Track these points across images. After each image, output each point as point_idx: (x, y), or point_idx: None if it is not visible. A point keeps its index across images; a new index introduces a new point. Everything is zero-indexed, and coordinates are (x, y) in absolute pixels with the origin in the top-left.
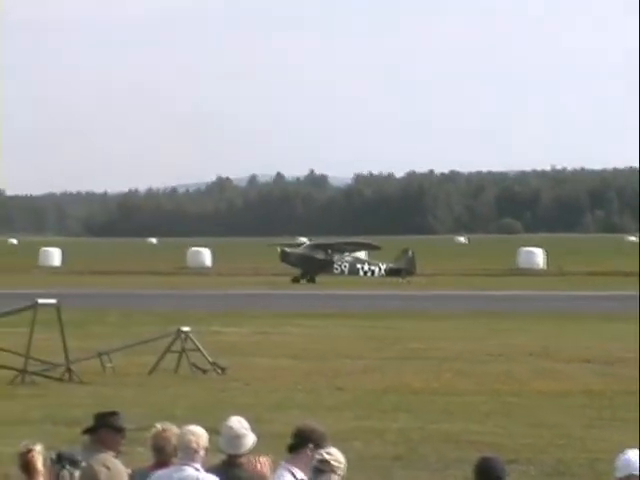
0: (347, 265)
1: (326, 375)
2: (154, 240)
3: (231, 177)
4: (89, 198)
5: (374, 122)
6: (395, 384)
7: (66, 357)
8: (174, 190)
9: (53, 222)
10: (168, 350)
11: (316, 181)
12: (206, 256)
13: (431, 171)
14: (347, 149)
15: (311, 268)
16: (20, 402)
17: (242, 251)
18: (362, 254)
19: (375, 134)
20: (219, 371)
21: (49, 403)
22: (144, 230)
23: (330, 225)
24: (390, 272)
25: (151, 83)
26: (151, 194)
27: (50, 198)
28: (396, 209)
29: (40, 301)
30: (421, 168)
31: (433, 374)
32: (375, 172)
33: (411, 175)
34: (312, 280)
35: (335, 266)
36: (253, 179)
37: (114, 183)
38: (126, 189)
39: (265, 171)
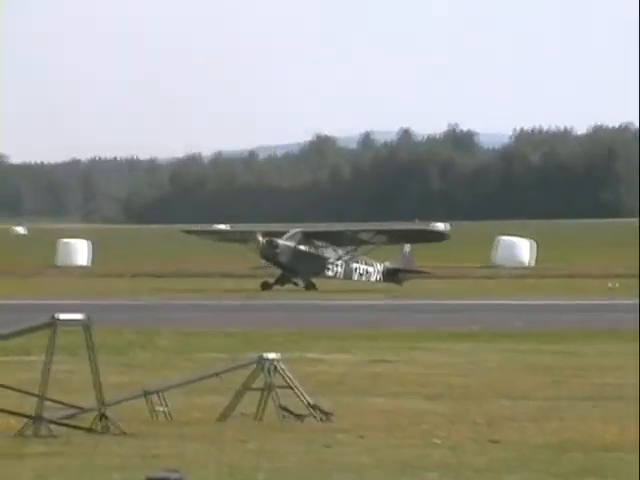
0: (342, 265)
1: (475, 423)
2: (223, 226)
3: (335, 135)
4: (129, 167)
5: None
6: (578, 436)
7: (99, 397)
8: (252, 155)
9: (77, 202)
10: (247, 387)
11: (461, 141)
12: None
13: (626, 126)
14: (502, 97)
15: (303, 268)
16: (32, 464)
17: None
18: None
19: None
20: (321, 417)
21: (74, 464)
22: (211, 212)
23: (481, 203)
24: (388, 274)
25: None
26: (220, 161)
27: (73, 168)
28: (575, 180)
29: (61, 316)
30: (612, 121)
31: (634, 422)
32: (545, 127)
33: (598, 131)
34: (311, 285)
35: (330, 266)
36: (366, 138)
37: (164, 146)
38: (182, 154)
39: (384, 127)
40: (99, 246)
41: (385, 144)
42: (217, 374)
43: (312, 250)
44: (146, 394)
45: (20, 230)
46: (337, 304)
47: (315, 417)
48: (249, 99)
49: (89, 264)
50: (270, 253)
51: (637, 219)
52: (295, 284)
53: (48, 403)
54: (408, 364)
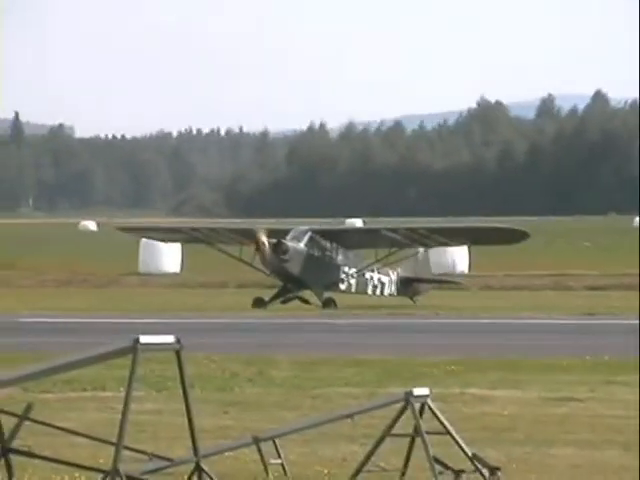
0: (355, 274)
1: None
2: (357, 221)
3: (504, 102)
4: (233, 143)
5: None
6: None
7: (194, 445)
8: (395, 127)
9: (166, 189)
10: (389, 433)
11: None
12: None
13: None
14: None
15: (315, 279)
16: None
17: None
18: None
19: None
20: (486, 473)
21: None
22: (340, 202)
23: None
24: (404, 284)
25: None
26: (351, 134)
27: (160, 143)
28: None
29: (144, 339)
30: None
31: None
32: None
33: None
34: (330, 303)
35: (344, 276)
36: (548, 105)
37: (279, 116)
38: (299, 126)
39: (571, 90)
40: (192, 248)
41: (572, 112)
42: (349, 416)
43: (325, 255)
44: (256, 441)
45: (90, 226)
46: (504, 323)
47: (479, 473)
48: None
49: (180, 271)
50: (278, 260)
51: None
52: (304, 301)
53: (128, 453)
54: (602, 403)
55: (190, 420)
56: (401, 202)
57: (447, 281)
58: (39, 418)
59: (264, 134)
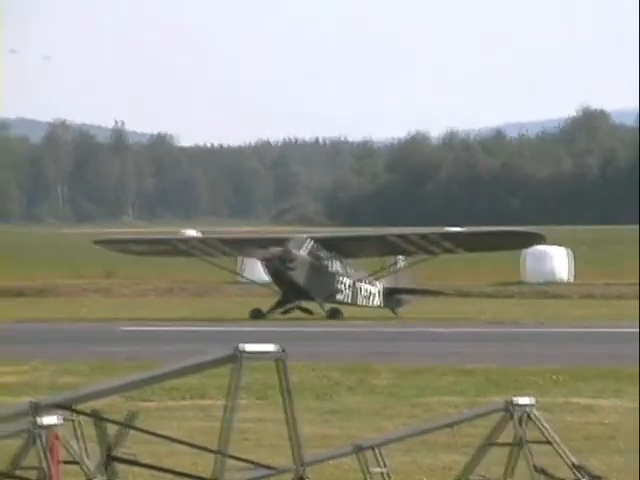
0: (349, 284)
1: None
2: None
3: (606, 108)
4: (334, 151)
5: None
6: None
7: (296, 454)
8: (498, 135)
9: (265, 198)
10: (492, 442)
11: None
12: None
13: None
14: None
15: (318, 290)
16: None
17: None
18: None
19: None
20: None
21: None
22: (439, 210)
23: None
24: (387, 295)
25: None
26: (454, 141)
27: (261, 152)
28: None
29: (247, 347)
30: None
31: None
32: None
33: None
34: (336, 313)
35: (340, 286)
36: None
37: (378, 123)
38: (402, 133)
39: None
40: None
41: None
42: (450, 425)
43: (325, 264)
44: (358, 450)
45: (192, 234)
46: (606, 332)
47: None
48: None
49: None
50: (284, 268)
51: None
52: (306, 311)
53: (230, 462)
54: None
55: (292, 429)
56: (503, 210)
57: (430, 291)
58: (141, 426)
59: (364, 142)
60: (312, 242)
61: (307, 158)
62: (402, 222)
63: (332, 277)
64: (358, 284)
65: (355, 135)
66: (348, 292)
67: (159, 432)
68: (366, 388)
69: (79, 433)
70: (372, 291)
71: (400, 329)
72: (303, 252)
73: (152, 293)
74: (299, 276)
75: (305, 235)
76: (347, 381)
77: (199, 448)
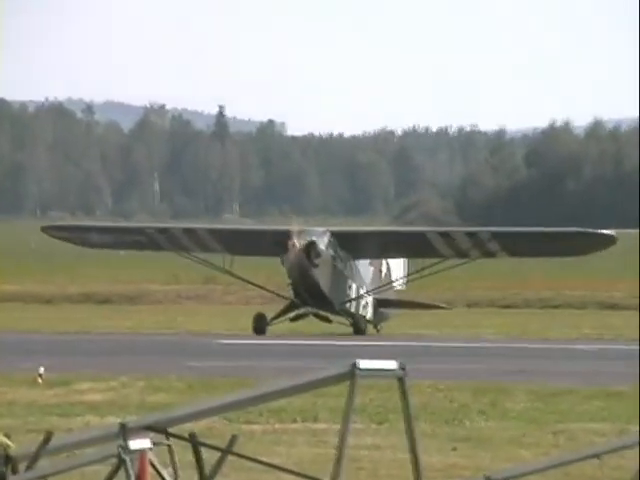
0: (355, 290)
1: None
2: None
3: None
4: (466, 142)
5: None
6: None
7: None
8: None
9: (384, 194)
10: None
11: None
12: None
13: None
14: None
15: (336, 294)
16: None
17: None
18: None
19: None
20: None
21: None
22: (583, 210)
23: None
24: (377, 307)
25: None
26: (600, 132)
27: (381, 143)
28: None
29: (363, 364)
30: None
31: None
32: None
33: None
34: (362, 323)
35: (350, 292)
36: None
37: (512, 112)
38: (542, 123)
39: None
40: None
41: None
42: (596, 455)
43: (341, 266)
44: None
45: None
46: None
47: None
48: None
49: (402, 287)
50: (308, 265)
51: None
52: (324, 319)
53: None
54: None
55: (414, 457)
56: None
57: (423, 304)
58: (244, 452)
59: (499, 132)
60: (332, 237)
61: (432, 150)
62: (541, 223)
63: (345, 280)
64: (360, 291)
65: (488, 124)
66: (353, 300)
67: (264, 459)
68: (500, 412)
69: (173, 459)
70: (368, 301)
71: (536, 345)
72: (326, 248)
73: (257, 301)
74: (322, 275)
75: (323, 228)
76: (478, 404)
77: (309, 478)
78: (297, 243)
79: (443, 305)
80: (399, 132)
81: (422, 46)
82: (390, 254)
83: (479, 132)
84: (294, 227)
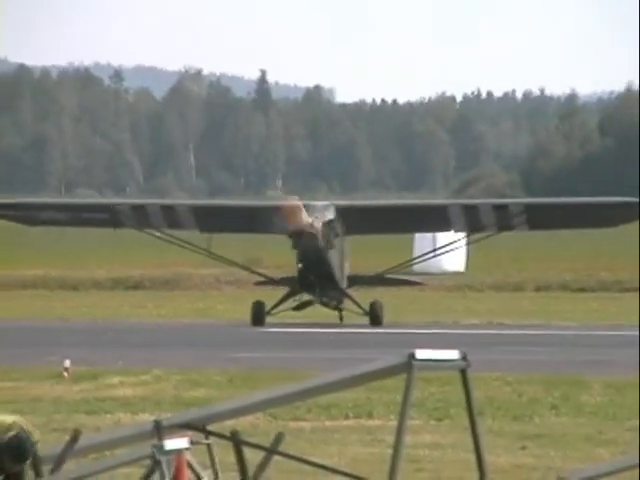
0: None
1: None
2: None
3: None
4: (534, 106)
5: None
6: None
7: None
8: None
9: (444, 167)
10: None
11: None
12: None
13: None
14: None
15: (342, 275)
16: None
17: None
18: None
19: None
20: None
21: None
22: None
23: None
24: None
25: None
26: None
27: (434, 109)
28: None
29: (420, 354)
30: None
31: None
32: None
33: None
34: (377, 319)
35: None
36: None
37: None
38: (615, 87)
39: None
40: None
41: None
42: None
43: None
44: None
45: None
46: None
47: None
48: None
49: (465, 270)
50: (323, 247)
51: None
52: (336, 308)
53: None
54: None
55: (480, 456)
56: None
57: (409, 281)
58: (290, 451)
59: (571, 97)
60: (334, 212)
61: (496, 117)
62: (618, 194)
63: (344, 261)
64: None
65: (557, 88)
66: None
67: (313, 459)
68: (574, 407)
69: (212, 459)
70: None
71: (614, 332)
72: (336, 226)
73: None
74: (334, 257)
75: (327, 202)
76: (550, 398)
77: None
78: (314, 222)
79: (418, 281)
80: (459, 98)
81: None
82: (397, 229)
83: (548, 97)
84: (292, 202)
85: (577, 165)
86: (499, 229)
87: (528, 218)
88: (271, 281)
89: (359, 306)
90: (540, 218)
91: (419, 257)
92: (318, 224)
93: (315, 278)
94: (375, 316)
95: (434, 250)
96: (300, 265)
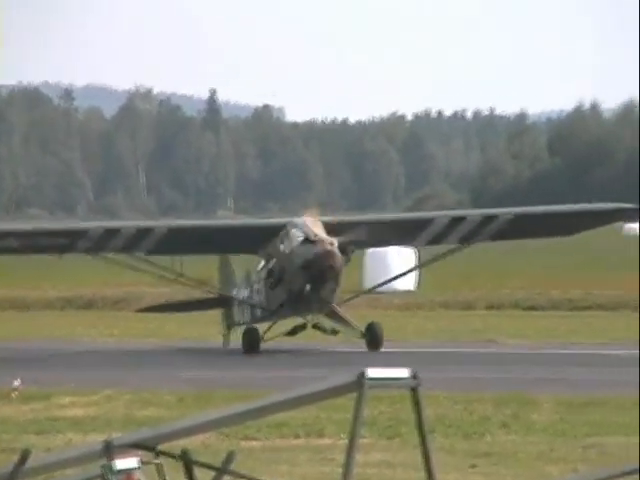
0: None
1: None
2: (634, 226)
3: None
4: (483, 124)
5: None
6: None
7: None
8: None
9: (394, 185)
10: None
11: None
12: None
13: None
14: None
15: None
16: None
17: None
18: None
19: None
20: None
21: None
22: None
23: None
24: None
25: None
26: (630, 113)
27: (385, 128)
28: None
29: (371, 373)
30: None
31: None
32: None
33: None
34: (376, 343)
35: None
36: None
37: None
38: (569, 105)
39: None
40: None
41: None
42: (631, 472)
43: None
44: None
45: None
46: None
47: None
48: None
49: (414, 287)
50: (337, 269)
51: None
52: (333, 332)
53: None
54: None
55: (430, 476)
56: None
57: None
58: (241, 471)
59: (521, 116)
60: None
61: (446, 136)
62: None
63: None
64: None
65: (507, 107)
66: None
67: (264, 479)
68: (524, 425)
69: (163, 479)
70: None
71: (564, 350)
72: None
73: None
74: (340, 275)
75: (313, 219)
76: (500, 416)
77: None
78: (329, 240)
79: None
80: (410, 117)
81: (434, 20)
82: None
83: (498, 116)
84: (309, 216)
85: (526, 184)
86: (460, 241)
87: (488, 230)
88: (161, 307)
89: (355, 329)
90: (498, 228)
91: (400, 275)
92: (336, 242)
93: (318, 300)
94: (374, 339)
95: (417, 267)
96: (308, 286)
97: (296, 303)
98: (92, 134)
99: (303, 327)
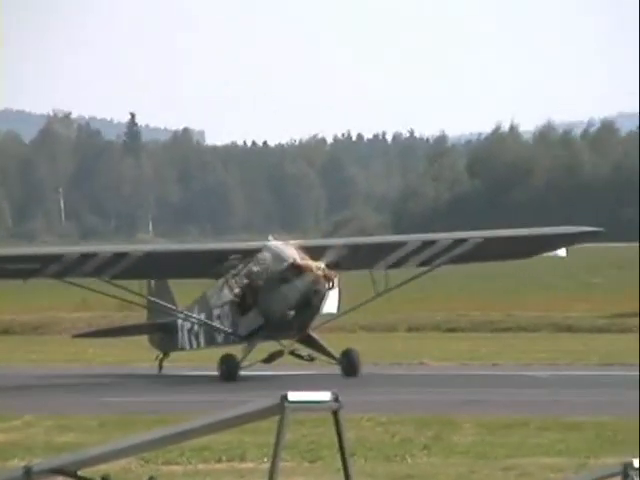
0: None
1: None
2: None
3: None
4: (404, 148)
5: None
6: None
7: None
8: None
9: (315, 208)
10: None
11: None
12: None
13: None
14: None
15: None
16: None
17: None
18: None
19: None
20: None
21: None
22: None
23: None
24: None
25: None
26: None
27: (305, 152)
28: None
29: (292, 396)
30: None
31: None
32: None
33: None
34: (353, 370)
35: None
36: None
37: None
38: (484, 128)
39: None
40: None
41: None
42: None
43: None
44: None
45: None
46: None
47: None
48: None
49: (335, 310)
50: (324, 293)
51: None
52: (309, 359)
53: None
54: None
55: None
56: (612, 224)
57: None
58: None
59: (440, 139)
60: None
61: (366, 159)
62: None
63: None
64: None
65: (426, 130)
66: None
67: None
68: (445, 447)
69: None
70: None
71: (485, 372)
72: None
73: None
74: (322, 304)
75: (279, 242)
76: (422, 438)
77: None
78: (314, 264)
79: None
80: (330, 140)
81: (353, 42)
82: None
83: (418, 138)
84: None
85: (446, 206)
86: (419, 265)
87: (453, 253)
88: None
89: (331, 355)
90: (462, 252)
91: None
92: (320, 267)
93: (300, 326)
94: (351, 366)
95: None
96: (292, 312)
97: (275, 328)
98: (10, 159)
99: (280, 354)
